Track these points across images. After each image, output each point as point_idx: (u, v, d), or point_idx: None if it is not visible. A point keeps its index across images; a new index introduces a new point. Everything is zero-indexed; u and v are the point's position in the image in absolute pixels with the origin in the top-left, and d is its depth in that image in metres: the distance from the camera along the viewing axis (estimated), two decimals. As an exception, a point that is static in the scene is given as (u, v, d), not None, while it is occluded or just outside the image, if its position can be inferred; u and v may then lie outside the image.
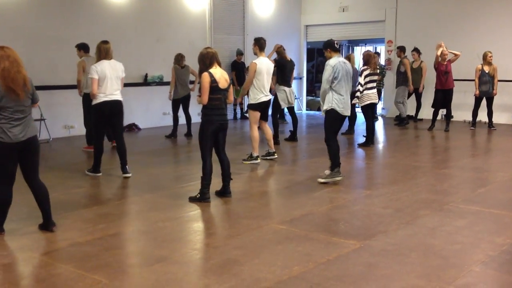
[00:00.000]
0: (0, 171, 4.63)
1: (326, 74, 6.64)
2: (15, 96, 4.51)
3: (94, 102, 7.11)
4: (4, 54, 4.49)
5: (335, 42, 6.82)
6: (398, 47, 13.01)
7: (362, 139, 10.18)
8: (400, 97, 12.75)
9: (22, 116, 4.61)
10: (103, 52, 7.08)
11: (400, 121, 12.77)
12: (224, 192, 6.12)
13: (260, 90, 7.99)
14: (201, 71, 5.83)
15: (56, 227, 4.90)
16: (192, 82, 10.99)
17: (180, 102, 10.80)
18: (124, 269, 4.09)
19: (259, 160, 8.13)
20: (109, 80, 7.03)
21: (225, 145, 6.11)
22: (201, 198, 5.88)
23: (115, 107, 7.15)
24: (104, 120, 7.17)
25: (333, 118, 6.83)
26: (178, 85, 10.65)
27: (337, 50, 6.83)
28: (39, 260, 4.27)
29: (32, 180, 4.81)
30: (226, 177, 6.10)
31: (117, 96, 7.17)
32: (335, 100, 6.71)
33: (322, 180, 6.82)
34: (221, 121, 5.92)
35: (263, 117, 8.42)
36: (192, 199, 5.92)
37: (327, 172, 6.91)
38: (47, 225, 4.90)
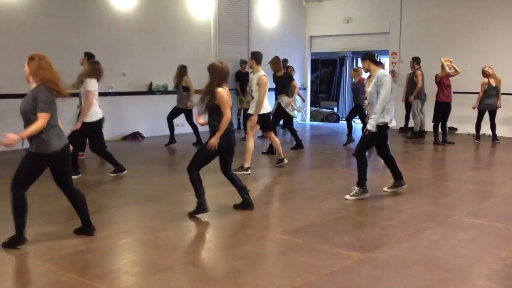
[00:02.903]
0: (27, 180, 4.62)
1: (388, 85, 6.40)
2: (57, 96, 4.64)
3: (95, 118, 7.46)
4: (46, 61, 4.57)
5: (376, 55, 6.68)
6: (412, 58, 12.82)
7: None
8: (415, 110, 12.64)
9: (56, 123, 4.67)
10: (96, 73, 7.64)
11: (413, 134, 12.76)
12: (246, 205, 5.92)
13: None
14: (214, 86, 5.63)
15: (95, 232, 4.97)
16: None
17: (181, 111, 10.87)
18: (127, 278, 4.08)
19: (249, 172, 8.04)
20: (97, 96, 7.58)
21: (231, 163, 5.92)
22: (199, 210, 5.68)
23: (103, 122, 7.71)
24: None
25: (378, 135, 6.55)
26: (184, 95, 10.76)
27: (378, 64, 6.66)
28: (42, 267, 4.26)
29: (68, 188, 4.87)
30: (242, 190, 5.91)
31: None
32: (387, 114, 6.49)
33: (351, 198, 6.50)
34: (227, 141, 5.68)
35: (268, 128, 8.45)
36: (192, 214, 5.71)
37: (356, 189, 6.56)
38: (86, 230, 4.97)
